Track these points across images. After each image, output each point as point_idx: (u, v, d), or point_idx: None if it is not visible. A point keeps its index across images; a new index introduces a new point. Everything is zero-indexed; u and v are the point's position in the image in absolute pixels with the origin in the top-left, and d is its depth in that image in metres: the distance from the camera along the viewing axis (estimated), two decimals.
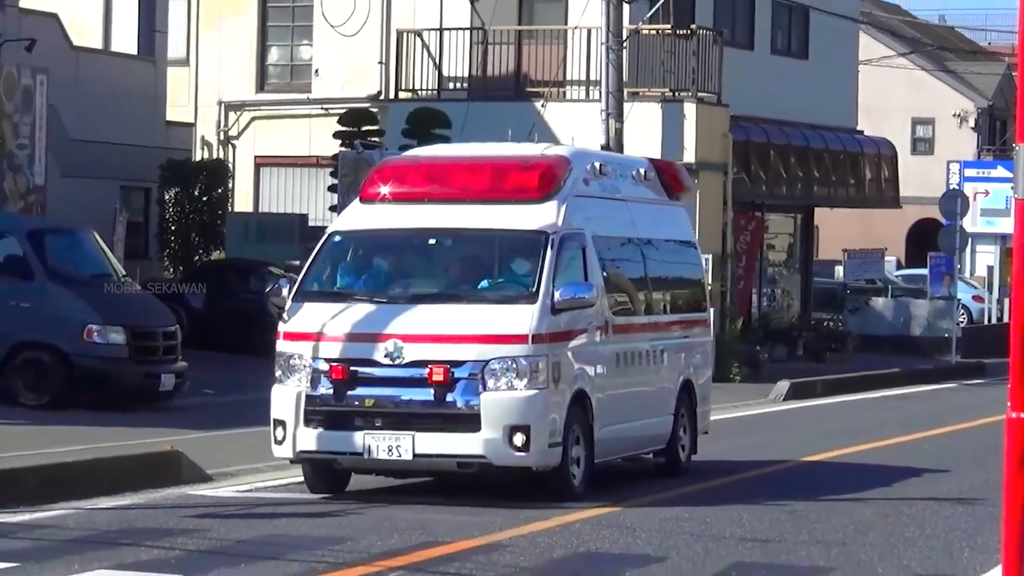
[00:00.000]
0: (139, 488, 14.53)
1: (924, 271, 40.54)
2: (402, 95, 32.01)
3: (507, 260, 13.24)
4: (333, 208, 28.73)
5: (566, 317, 12.67)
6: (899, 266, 51.79)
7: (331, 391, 12.49)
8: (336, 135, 29.31)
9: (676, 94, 30.02)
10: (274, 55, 35.91)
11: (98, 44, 32.05)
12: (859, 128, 36.89)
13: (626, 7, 28.48)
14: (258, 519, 12.96)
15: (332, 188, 29.43)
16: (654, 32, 30.03)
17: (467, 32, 31.55)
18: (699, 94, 30.20)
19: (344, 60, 33.84)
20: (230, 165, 34.78)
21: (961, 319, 39.89)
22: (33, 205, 25.18)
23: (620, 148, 28.06)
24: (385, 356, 12.37)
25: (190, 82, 35.29)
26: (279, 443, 12.70)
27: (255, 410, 17.11)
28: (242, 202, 35.06)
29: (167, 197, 31.63)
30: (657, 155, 28.84)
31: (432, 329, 12.46)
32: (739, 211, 32.14)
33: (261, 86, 35.08)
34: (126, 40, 32.13)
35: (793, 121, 33.38)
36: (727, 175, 30.98)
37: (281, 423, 12.63)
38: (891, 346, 36.40)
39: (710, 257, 28.51)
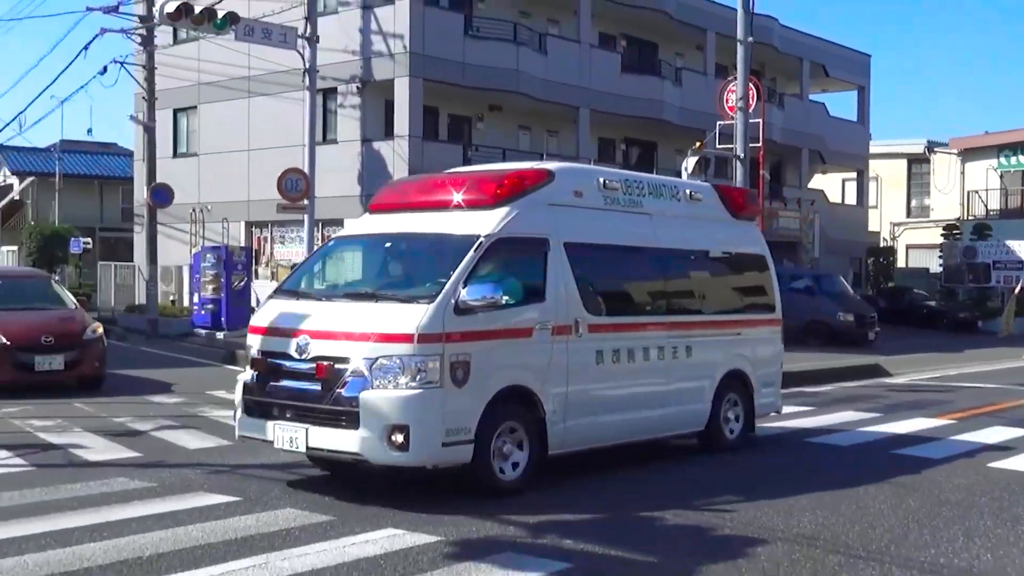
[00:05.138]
0: (854, 380, 23.33)
1: None
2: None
3: (439, 263, 11.89)
4: None
5: (483, 317, 11.37)
6: None
7: (257, 382, 11.96)
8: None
9: None
10: (912, 202, 53.25)
11: None
12: None
13: None
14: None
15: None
16: None
17: None
18: None
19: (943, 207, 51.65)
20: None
21: None
22: None
23: None
24: (296, 350, 11.57)
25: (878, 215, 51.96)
26: (235, 423, 12.33)
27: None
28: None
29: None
30: None
31: (335, 326, 11.49)
32: None
33: (907, 214, 52.17)
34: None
35: None
36: None
37: (236, 406, 12.30)
38: None
39: None
